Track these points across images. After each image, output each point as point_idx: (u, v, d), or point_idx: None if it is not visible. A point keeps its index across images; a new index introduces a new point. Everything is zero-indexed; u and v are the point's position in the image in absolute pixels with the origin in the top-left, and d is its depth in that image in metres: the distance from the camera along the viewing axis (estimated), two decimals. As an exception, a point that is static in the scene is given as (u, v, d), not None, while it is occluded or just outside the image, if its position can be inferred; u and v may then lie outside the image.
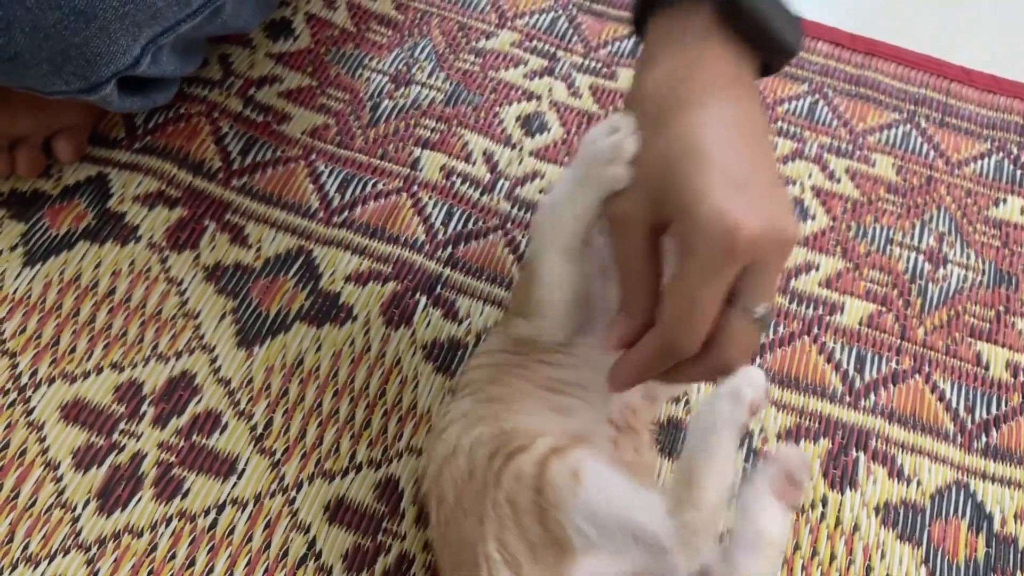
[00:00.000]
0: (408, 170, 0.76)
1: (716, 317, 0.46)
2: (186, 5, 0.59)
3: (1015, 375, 0.71)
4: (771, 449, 0.63)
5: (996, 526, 0.64)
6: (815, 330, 0.71)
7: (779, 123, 0.83)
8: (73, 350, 0.65)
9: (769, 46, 0.50)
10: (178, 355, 0.66)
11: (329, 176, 0.75)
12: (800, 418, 0.67)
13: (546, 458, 0.48)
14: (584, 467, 0.47)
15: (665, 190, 0.46)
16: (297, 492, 0.61)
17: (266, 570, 0.58)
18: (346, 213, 0.73)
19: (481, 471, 0.50)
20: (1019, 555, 0.63)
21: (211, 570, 0.58)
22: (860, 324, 0.72)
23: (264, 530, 0.60)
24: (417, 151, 0.77)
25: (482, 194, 0.76)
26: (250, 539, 0.59)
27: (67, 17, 0.52)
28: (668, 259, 0.48)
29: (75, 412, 0.63)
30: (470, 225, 0.74)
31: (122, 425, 0.62)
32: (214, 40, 0.80)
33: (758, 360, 0.69)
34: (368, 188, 0.75)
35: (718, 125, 0.47)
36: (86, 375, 0.64)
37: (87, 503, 0.60)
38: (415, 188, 0.75)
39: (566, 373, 0.56)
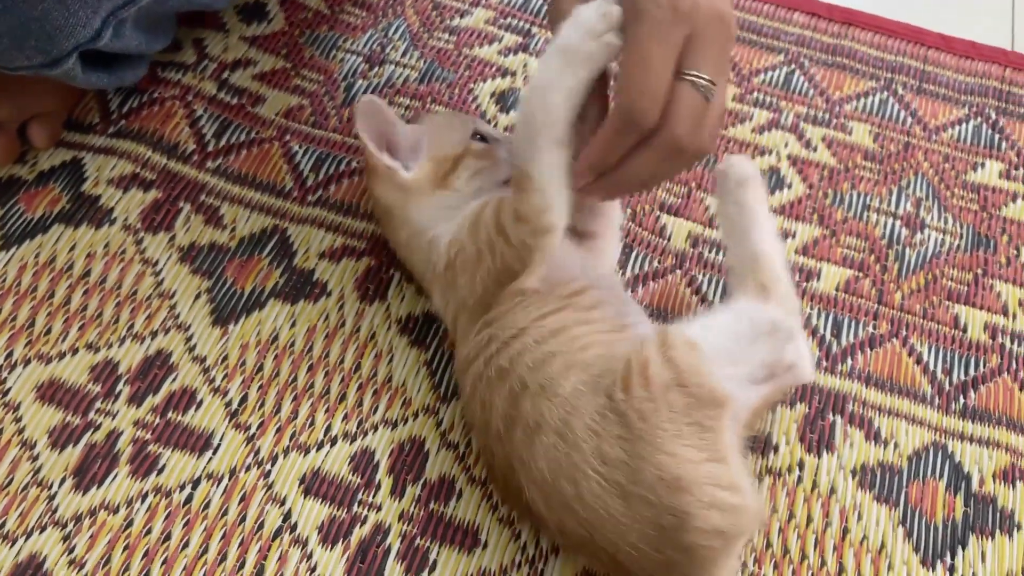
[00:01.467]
0: (382, 148, 0.76)
1: (668, 90, 0.49)
2: (145, -22, 0.59)
3: (993, 337, 0.70)
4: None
5: (975, 486, 0.64)
6: (791, 297, 0.71)
7: (755, 94, 0.83)
8: (48, 331, 0.65)
9: None
10: (153, 334, 0.66)
11: (304, 156, 0.75)
12: (776, 384, 0.67)
13: (666, 355, 0.52)
14: (687, 335, 0.53)
15: None
16: (272, 465, 0.61)
17: (241, 542, 0.58)
18: (320, 191, 0.73)
19: (619, 410, 0.51)
20: (998, 514, 0.63)
21: (186, 544, 0.58)
22: (837, 290, 0.72)
23: (239, 503, 0.60)
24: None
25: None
26: (225, 512, 0.59)
27: (24, -8, 0.53)
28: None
29: (51, 392, 0.63)
30: (343, 167, 0.73)
31: (98, 404, 0.63)
32: (188, 23, 0.80)
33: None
34: (343, 166, 0.75)
35: None
36: (61, 356, 0.64)
37: (63, 481, 0.60)
38: (389, 165, 0.75)
39: (591, 297, 0.58)
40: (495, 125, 0.78)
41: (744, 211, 0.61)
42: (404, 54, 0.82)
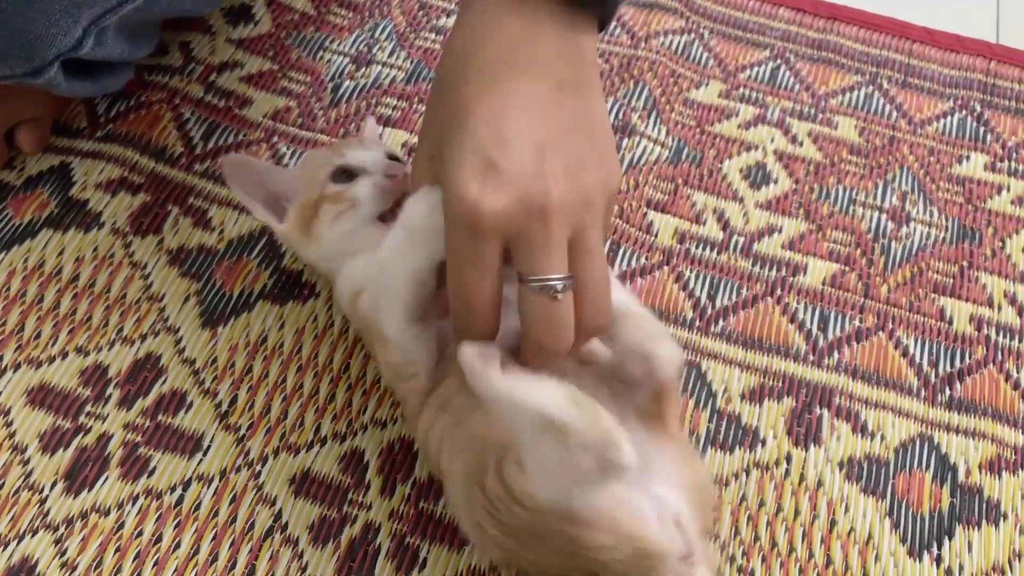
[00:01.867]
0: (369, 148, 0.76)
1: (497, 297, 0.47)
2: (127, -14, 0.59)
3: (979, 328, 0.71)
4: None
5: (961, 477, 0.64)
6: (778, 291, 0.72)
7: (741, 89, 0.83)
8: (38, 336, 0.65)
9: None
10: (143, 337, 0.66)
11: (292, 158, 0.76)
12: (764, 378, 0.67)
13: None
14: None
15: (436, 160, 0.48)
16: (262, 466, 0.62)
17: (232, 543, 0.59)
18: (308, 193, 0.74)
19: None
20: (984, 504, 0.63)
21: (177, 545, 0.59)
22: (823, 284, 0.72)
23: (230, 504, 0.60)
24: (379, 129, 0.77)
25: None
26: (216, 513, 0.60)
27: (4, 1, 0.53)
28: None
29: (41, 396, 0.63)
30: None
31: (88, 408, 0.63)
32: (174, 27, 0.81)
33: (722, 322, 0.70)
34: (330, 168, 0.75)
35: (499, 95, 0.46)
36: (51, 360, 0.65)
37: (54, 484, 0.60)
38: (377, 166, 0.75)
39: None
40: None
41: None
42: (391, 54, 0.82)
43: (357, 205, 0.59)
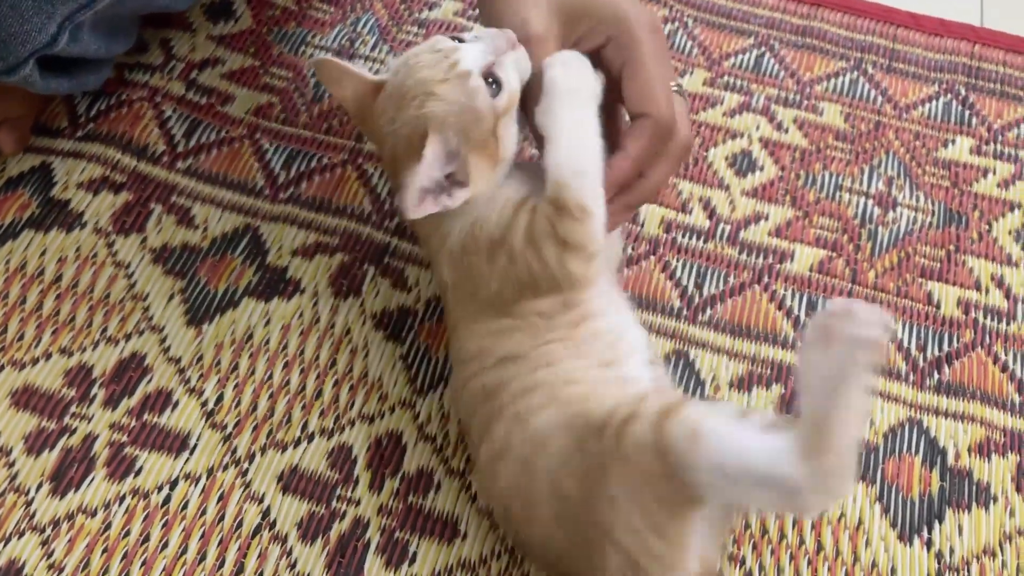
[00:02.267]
0: (353, 143, 0.76)
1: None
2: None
3: (966, 312, 0.71)
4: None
5: (950, 460, 0.64)
6: (765, 279, 0.72)
7: (726, 77, 0.83)
8: (21, 337, 0.65)
9: None
10: (127, 337, 0.66)
11: (274, 153, 0.75)
12: (752, 365, 0.67)
13: (660, 422, 0.46)
14: (702, 425, 0.45)
15: (584, 9, 0.56)
16: (250, 464, 0.61)
17: (220, 541, 0.58)
18: (292, 188, 0.73)
19: (587, 452, 0.49)
20: (974, 487, 0.63)
21: (165, 544, 0.58)
22: (811, 270, 0.72)
23: (218, 502, 0.60)
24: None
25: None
26: (204, 512, 0.59)
27: (-23, -2, 0.52)
28: None
29: (25, 398, 0.63)
30: (314, 163, 0.74)
31: (73, 408, 0.63)
32: (153, 24, 0.80)
33: (709, 310, 0.70)
34: (314, 163, 0.75)
35: None
36: (35, 361, 0.64)
37: (40, 486, 0.60)
38: (360, 160, 0.75)
39: (589, 328, 0.55)
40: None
41: (842, 383, 0.43)
42: (373, 48, 0.82)
43: (515, 100, 0.56)
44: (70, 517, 0.59)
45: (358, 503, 0.60)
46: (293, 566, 0.58)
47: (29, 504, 0.59)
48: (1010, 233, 0.75)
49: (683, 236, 0.73)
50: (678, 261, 0.72)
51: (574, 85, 0.54)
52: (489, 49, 0.55)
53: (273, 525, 0.59)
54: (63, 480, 0.60)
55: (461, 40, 0.56)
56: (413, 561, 0.58)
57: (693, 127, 0.79)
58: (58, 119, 0.75)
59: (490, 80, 0.54)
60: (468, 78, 0.54)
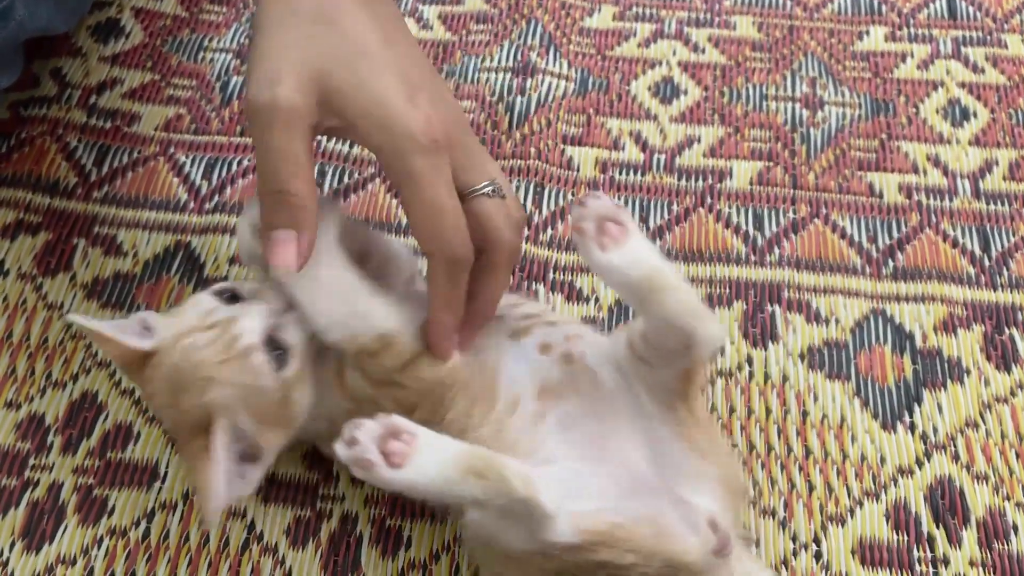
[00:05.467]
0: (271, 140, 0.73)
1: (462, 216, 0.47)
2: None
3: (909, 196, 0.71)
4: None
5: (918, 343, 0.64)
6: (708, 200, 0.71)
7: (634, 8, 0.82)
8: (-37, 399, 0.62)
9: None
10: (74, 378, 0.63)
11: (192, 165, 0.73)
12: (711, 287, 0.67)
13: None
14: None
15: (339, 92, 0.45)
16: (225, 481, 0.59)
17: (210, 564, 0.57)
18: (217, 198, 0.71)
19: None
20: (946, 364, 0.64)
21: (153, 579, 0.56)
22: (751, 184, 0.72)
23: (199, 527, 0.58)
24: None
25: (351, 148, 0.74)
26: (187, 538, 0.58)
27: None
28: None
29: (-21, 460, 0.60)
30: (346, 179, 0.72)
31: (32, 461, 0.60)
32: (41, 54, 0.77)
33: (658, 241, 0.69)
34: (234, 168, 0.72)
35: (378, 26, 0.47)
36: (-17, 421, 0.62)
37: (12, 545, 0.57)
38: (282, 156, 0.73)
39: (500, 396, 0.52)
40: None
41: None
42: (274, 41, 0.79)
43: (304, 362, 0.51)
44: (50, 571, 0.57)
45: (343, 499, 0.59)
46: (289, 574, 0.56)
47: (5, 566, 0.57)
48: (937, 112, 0.75)
49: (620, 173, 0.72)
50: (619, 199, 0.71)
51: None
52: (269, 311, 0.50)
53: (261, 538, 0.58)
54: (35, 535, 0.58)
55: (235, 296, 0.51)
56: (409, 545, 0.57)
57: (611, 62, 0.78)
58: (-41, 170, 0.72)
59: (274, 350, 0.49)
60: (249, 355, 0.48)
